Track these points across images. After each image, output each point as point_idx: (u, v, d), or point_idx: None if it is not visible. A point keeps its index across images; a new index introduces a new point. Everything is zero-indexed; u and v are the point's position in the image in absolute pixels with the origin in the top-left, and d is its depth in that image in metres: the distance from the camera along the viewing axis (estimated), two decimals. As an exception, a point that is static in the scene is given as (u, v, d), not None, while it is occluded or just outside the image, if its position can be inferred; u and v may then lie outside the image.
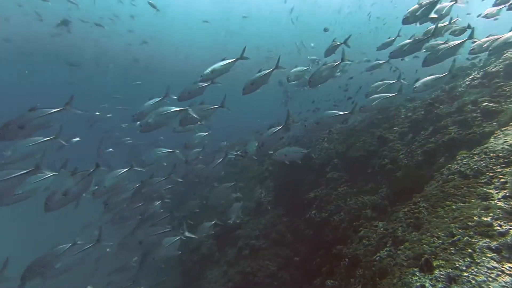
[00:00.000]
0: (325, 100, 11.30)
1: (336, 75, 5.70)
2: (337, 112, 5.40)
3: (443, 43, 5.70)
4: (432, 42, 6.14)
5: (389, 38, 7.91)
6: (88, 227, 12.03)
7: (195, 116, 5.49)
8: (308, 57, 12.06)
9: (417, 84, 5.89)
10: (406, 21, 6.10)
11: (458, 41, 5.45)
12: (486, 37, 5.97)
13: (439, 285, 2.55)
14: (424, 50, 6.15)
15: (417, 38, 5.97)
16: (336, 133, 10.88)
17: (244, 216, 9.55)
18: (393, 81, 6.84)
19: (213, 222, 7.03)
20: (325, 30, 12.30)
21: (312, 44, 16.11)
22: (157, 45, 29.30)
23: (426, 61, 5.64)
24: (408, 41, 5.96)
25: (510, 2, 5.86)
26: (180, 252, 5.45)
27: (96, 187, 5.03)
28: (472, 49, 5.77)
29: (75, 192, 4.14)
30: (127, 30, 24.20)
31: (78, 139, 10.56)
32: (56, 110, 4.31)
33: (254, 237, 8.61)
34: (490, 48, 5.66)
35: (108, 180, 5.13)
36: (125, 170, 5.37)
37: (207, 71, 5.40)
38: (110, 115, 14.51)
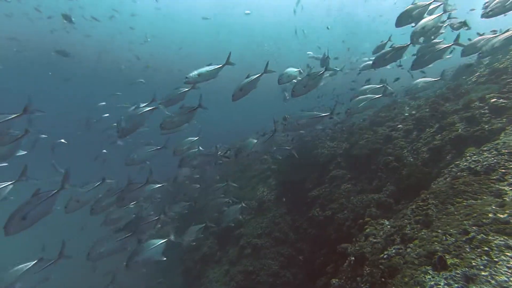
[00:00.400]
0: (330, 98, 11.11)
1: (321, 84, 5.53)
2: (318, 113, 5.33)
3: (431, 46, 5.58)
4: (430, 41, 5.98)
5: (382, 41, 7.82)
6: (85, 228, 11.89)
7: (166, 112, 5.36)
8: (308, 53, 11.85)
9: (409, 86, 5.81)
10: (399, 24, 5.88)
11: (445, 45, 5.35)
12: (480, 36, 5.73)
13: (455, 285, 2.42)
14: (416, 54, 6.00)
15: (397, 45, 5.76)
16: (339, 131, 10.78)
17: (247, 215, 9.45)
18: (379, 86, 6.78)
19: (203, 225, 6.61)
20: (328, 28, 12.27)
21: (318, 45, 16.10)
22: (158, 43, 29.23)
23: (414, 65, 5.58)
24: (389, 49, 5.77)
25: (483, 12, 5.56)
26: (165, 259, 5.16)
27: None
28: (464, 51, 5.56)
29: (36, 215, 3.80)
30: (129, 27, 24.12)
31: (62, 140, 10.46)
32: (14, 115, 3.96)
33: (256, 236, 8.50)
34: (479, 52, 5.50)
35: (81, 195, 4.99)
36: (98, 183, 5.22)
37: (193, 74, 5.22)
38: (107, 114, 14.29)
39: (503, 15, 6.37)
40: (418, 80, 5.79)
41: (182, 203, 7.22)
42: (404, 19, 5.68)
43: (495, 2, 5.28)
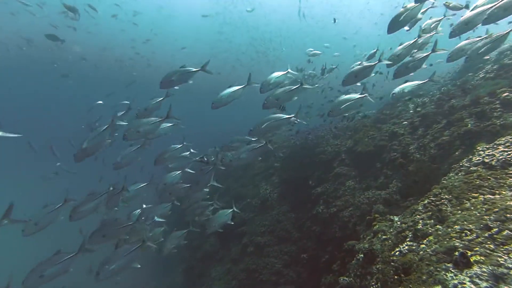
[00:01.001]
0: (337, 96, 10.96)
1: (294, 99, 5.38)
2: (283, 115, 5.15)
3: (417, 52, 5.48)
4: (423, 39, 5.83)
5: (374, 50, 7.76)
6: (83, 232, 11.69)
7: (123, 123, 5.23)
8: (309, 49, 11.55)
9: (395, 90, 5.65)
10: (391, 29, 5.67)
11: (424, 54, 5.22)
12: (466, 40, 5.52)
13: (484, 284, 2.26)
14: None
15: (367, 63, 5.61)
16: (343, 129, 10.63)
17: (249, 212, 9.30)
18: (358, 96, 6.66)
19: (186, 230, 6.30)
20: (334, 20, 12.20)
21: (327, 44, 15.92)
22: (160, 42, 29.06)
23: (396, 74, 5.47)
24: (358, 67, 5.62)
25: (452, 31, 5.32)
26: (139, 266, 4.99)
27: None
28: (450, 56, 5.37)
29: None
30: (132, 23, 23.91)
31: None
32: None
33: (259, 234, 8.35)
34: (466, 56, 5.31)
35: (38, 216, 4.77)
36: (59, 205, 4.90)
37: (167, 78, 5.07)
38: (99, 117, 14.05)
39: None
40: (404, 85, 5.60)
41: (165, 204, 6.84)
42: (395, 24, 5.49)
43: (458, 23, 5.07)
